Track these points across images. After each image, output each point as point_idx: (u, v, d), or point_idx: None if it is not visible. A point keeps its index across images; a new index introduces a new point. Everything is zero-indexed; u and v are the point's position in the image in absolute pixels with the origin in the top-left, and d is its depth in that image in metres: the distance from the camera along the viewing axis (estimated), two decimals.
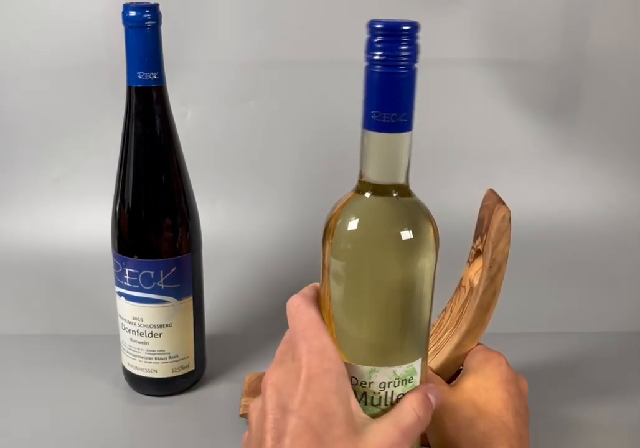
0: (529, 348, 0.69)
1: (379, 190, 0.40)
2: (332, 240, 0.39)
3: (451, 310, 0.57)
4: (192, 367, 0.62)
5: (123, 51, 0.54)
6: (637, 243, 0.93)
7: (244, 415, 0.59)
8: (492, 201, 0.53)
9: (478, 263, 0.54)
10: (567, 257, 0.88)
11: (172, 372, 0.61)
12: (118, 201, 0.59)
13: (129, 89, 0.55)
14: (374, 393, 0.40)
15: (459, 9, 0.90)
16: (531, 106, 0.95)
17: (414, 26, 0.41)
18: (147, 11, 0.52)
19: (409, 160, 0.41)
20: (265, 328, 0.74)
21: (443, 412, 0.47)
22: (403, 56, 0.40)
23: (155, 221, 0.58)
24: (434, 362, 0.54)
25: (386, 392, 0.40)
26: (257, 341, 0.72)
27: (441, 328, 0.58)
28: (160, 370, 0.61)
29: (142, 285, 0.58)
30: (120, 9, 0.53)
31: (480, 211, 0.55)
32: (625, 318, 0.77)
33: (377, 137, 0.39)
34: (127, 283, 0.58)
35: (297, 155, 0.96)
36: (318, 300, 0.41)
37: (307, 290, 0.42)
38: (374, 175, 0.40)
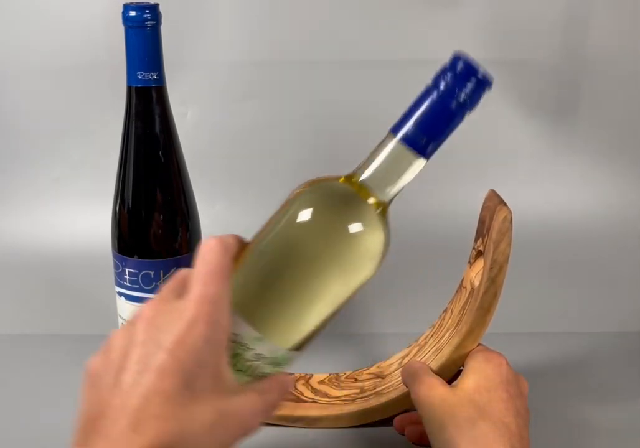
0: (529, 348, 0.69)
1: (363, 193, 0.41)
2: (296, 203, 0.41)
3: (452, 311, 0.57)
4: None
5: (123, 51, 0.54)
6: (637, 243, 0.93)
7: None
8: (494, 202, 0.53)
9: (479, 264, 0.54)
10: (567, 257, 0.88)
11: None
12: (118, 201, 0.59)
13: (129, 89, 0.55)
14: (246, 359, 0.39)
15: (459, 9, 0.90)
16: (531, 106, 0.95)
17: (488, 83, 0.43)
18: (147, 11, 0.52)
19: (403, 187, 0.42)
20: None
21: (444, 412, 0.47)
22: (463, 97, 0.44)
23: (155, 221, 0.58)
24: (435, 362, 0.54)
25: (257, 364, 0.39)
26: None
27: (442, 328, 0.58)
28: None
29: (142, 285, 0.58)
30: (120, 9, 0.53)
31: (481, 212, 0.55)
32: (625, 318, 0.77)
33: (403, 152, 0.42)
34: (127, 283, 0.58)
35: (297, 155, 0.96)
36: (233, 251, 0.39)
37: (228, 237, 0.40)
38: (370, 181, 0.42)
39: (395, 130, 0.42)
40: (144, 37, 0.53)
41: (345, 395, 0.59)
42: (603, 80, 0.95)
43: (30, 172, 0.94)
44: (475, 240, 0.56)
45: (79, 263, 0.86)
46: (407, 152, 0.42)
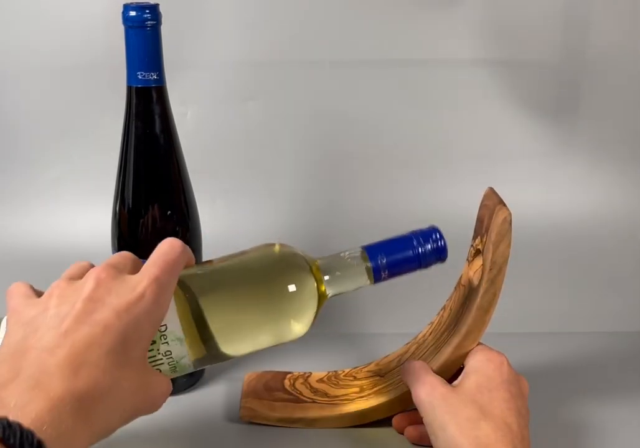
0: (529, 348, 0.69)
1: (318, 277, 0.48)
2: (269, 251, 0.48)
3: (450, 309, 0.57)
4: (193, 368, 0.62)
5: (123, 51, 0.54)
6: (637, 243, 0.93)
7: (245, 417, 0.58)
8: (492, 201, 0.53)
9: (477, 262, 0.54)
10: (566, 257, 0.88)
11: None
12: (118, 201, 0.59)
13: (129, 89, 0.55)
14: (157, 350, 0.43)
15: (459, 9, 0.90)
16: (531, 106, 0.95)
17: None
18: (147, 11, 0.52)
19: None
20: None
21: (445, 412, 0.47)
22: (427, 263, 0.49)
23: (154, 221, 0.58)
24: (434, 362, 0.54)
25: (160, 359, 0.43)
26: None
27: (440, 326, 0.58)
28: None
29: None
30: (120, 9, 0.53)
31: (479, 210, 0.55)
32: (625, 318, 0.77)
33: (363, 274, 0.48)
34: None
35: (297, 155, 0.96)
36: (187, 261, 0.44)
37: (189, 250, 0.44)
38: (327, 279, 0.48)
39: (370, 255, 0.48)
40: (144, 37, 0.53)
41: (344, 394, 0.59)
42: (603, 80, 0.95)
43: (30, 172, 0.94)
44: (474, 239, 0.56)
45: None
46: (365, 276, 0.49)
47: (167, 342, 0.43)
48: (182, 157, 0.59)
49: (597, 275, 0.87)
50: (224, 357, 0.46)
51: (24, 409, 0.32)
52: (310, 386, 0.61)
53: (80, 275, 0.41)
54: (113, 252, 0.60)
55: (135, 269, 0.41)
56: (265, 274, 0.47)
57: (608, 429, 0.59)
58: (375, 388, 0.58)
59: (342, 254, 0.49)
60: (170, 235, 0.58)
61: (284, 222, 0.94)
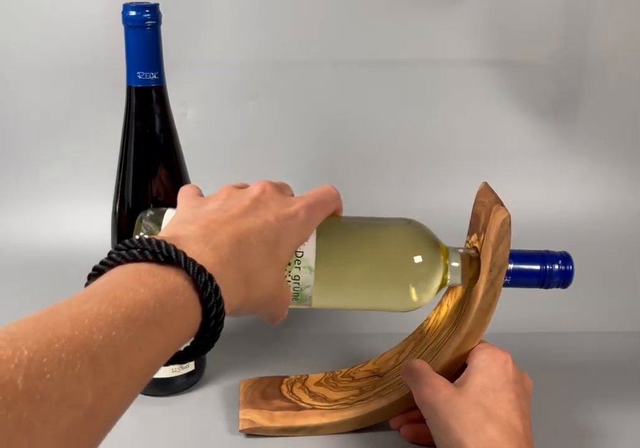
0: (529, 348, 0.69)
1: (445, 258, 0.51)
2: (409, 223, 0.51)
3: (447, 305, 0.57)
4: (192, 367, 0.62)
5: (123, 51, 0.54)
6: (637, 243, 0.93)
7: (245, 430, 0.57)
8: (489, 199, 0.52)
9: None
10: None
11: (172, 372, 0.61)
12: (118, 201, 0.59)
13: (129, 88, 0.55)
14: (288, 272, 0.46)
15: (459, 9, 0.90)
16: (531, 106, 0.95)
17: None
18: (147, 11, 0.52)
19: None
20: (266, 328, 0.74)
21: (449, 415, 0.46)
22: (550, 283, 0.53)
23: None
24: (434, 362, 0.53)
25: (296, 260, 0.46)
26: (258, 341, 0.72)
27: (437, 323, 0.57)
28: (160, 370, 0.61)
29: None
30: (120, 9, 0.53)
31: (474, 206, 0.55)
32: (625, 318, 0.77)
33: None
34: None
35: (297, 155, 0.96)
36: (338, 207, 0.48)
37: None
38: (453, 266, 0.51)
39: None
40: (144, 37, 0.53)
41: (344, 398, 0.58)
42: (603, 80, 0.95)
43: (30, 172, 0.94)
44: (469, 235, 0.55)
45: (79, 264, 0.86)
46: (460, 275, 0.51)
47: (299, 267, 0.46)
48: (182, 157, 0.59)
49: (597, 275, 0.87)
50: (343, 299, 0.50)
51: (199, 257, 0.35)
52: (309, 390, 0.60)
53: (244, 188, 0.45)
54: None
55: (292, 195, 0.46)
56: (395, 239, 0.50)
57: (607, 429, 0.59)
58: (375, 390, 0.58)
59: (461, 249, 0.52)
60: None
61: None
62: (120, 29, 0.53)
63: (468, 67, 0.93)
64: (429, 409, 0.48)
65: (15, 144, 0.93)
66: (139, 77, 0.54)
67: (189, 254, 0.34)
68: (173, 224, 0.40)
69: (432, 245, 0.50)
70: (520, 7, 0.92)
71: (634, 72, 0.95)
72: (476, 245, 0.53)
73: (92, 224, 0.83)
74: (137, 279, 0.32)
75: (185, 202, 0.44)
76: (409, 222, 0.51)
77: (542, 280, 0.51)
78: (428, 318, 0.59)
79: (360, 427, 0.57)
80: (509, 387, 0.48)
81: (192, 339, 0.35)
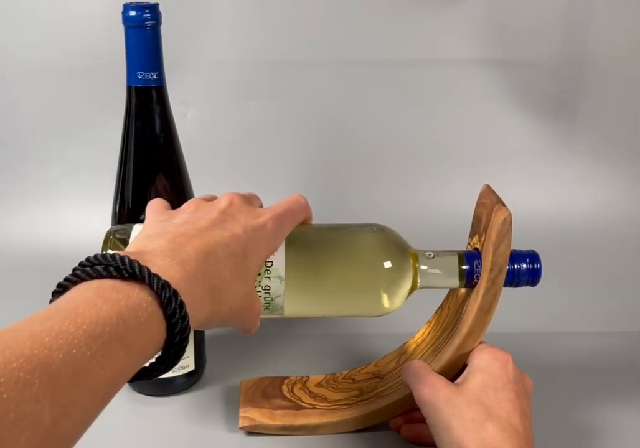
0: (529, 348, 0.69)
1: (414, 261, 0.52)
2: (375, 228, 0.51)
3: (448, 308, 0.57)
4: (192, 367, 0.62)
5: (123, 51, 0.54)
6: (637, 243, 0.93)
7: (245, 428, 0.57)
8: (490, 200, 0.52)
9: None
10: (566, 257, 0.88)
11: (172, 372, 0.61)
12: (118, 201, 0.59)
13: (129, 88, 0.55)
14: (257, 282, 0.47)
15: (459, 9, 0.90)
16: (531, 106, 0.95)
17: None
18: (147, 11, 0.52)
19: None
20: (266, 328, 0.74)
21: (450, 413, 0.46)
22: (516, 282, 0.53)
23: None
24: (435, 363, 0.53)
25: (266, 270, 0.47)
26: (258, 341, 0.71)
27: (439, 326, 0.57)
28: None
29: None
30: (120, 9, 0.53)
31: (476, 208, 0.55)
32: (625, 318, 0.77)
33: (456, 274, 0.52)
34: None
35: (297, 155, 0.96)
36: (307, 216, 0.49)
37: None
38: (424, 270, 0.51)
39: (468, 259, 0.51)
40: (144, 37, 0.53)
41: (344, 398, 0.58)
42: (603, 80, 0.95)
43: (30, 172, 0.94)
44: (471, 236, 0.55)
45: None
46: (457, 278, 0.51)
47: (269, 277, 0.47)
48: (182, 157, 0.59)
49: (597, 275, 0.87)
50: (312, 307, 0.50)
51: (165, 273, 0.35)
52: (309, 391, 0.60)
53: (212, 200, 0.46)
54: None
55: (261, 207, 0.47)
56: (365, 246, 0.50)
57: (607, 429, 0.59)
58: (375, 391, 0.58)
59: (440, 251, 0.52)
60: None
61: None
62: (121, 29, 0.53)
63: (468, 67, 0.93)
64: (429, 408, 0.48)
65: (15, 144, 0.93)
66: (139, 77, 0.54)
67: (154, 269, 0.34)
68: (140, 238, 0.40)
69: (401, 249, 0.50)
70: (520, 7, 0.92)
71: (634, 72, 0.95)
72: (477, 246, 0.53)
73: (92, 224, 0.82)
74: (100, 296, 0.31)
75: (153, 216, 0.44)
76: (379, 228, 0.51)
77: (511, 280, 0.51)
78: (429, 322, 0.59)
79: (360, 427, 0.57)
80: (509, 386, 0.48)
81: (157, 355, 0.35)
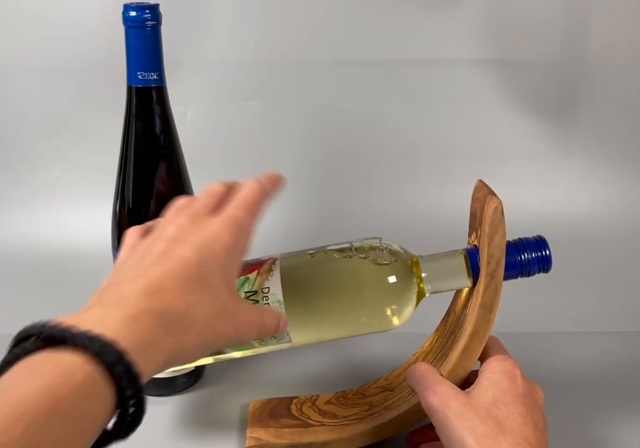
0: (529, 348, 0.69)
1: (417, 272, 0.52)
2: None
3: (454, 312, 0.56)
4: (192, 367, 0.62)
5: (123, 51, 0.54)
6: (637, 243, 0.93)
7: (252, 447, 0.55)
8: (483, 193, 0.51)
9: None
10: (566, 257, 0.88)
11: (172, 372, 0.61)
12: (118, 201, 0.59)
13: (129, 89, 0.55)
14: (260, 287, 0.48)
15: (459, 9, 0.90)
16: (530, 106, 0.95)
17: None
18: (147, 11, 0.52)
19: None
20: None
21: (463, 426, 0.46)
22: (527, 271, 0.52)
23: None
24: (443, 368, 0.52)
25: (264, 296, 0.48)
26: None
27: (446, 331, 0.56)
28: None
29: None
30: (121, 9, 0.53)
31: (472, 205, 0.54)
32: (625, 318, 0.77)
33: (463, 272, 0.51)
34: None
35: (296, 155, 0.96)
36: (270, 196, 0.46)
37: (268, 183, 0.46)
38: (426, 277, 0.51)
39: (472, 257, 0.50)
40: (144, 37, 0.53)
41: (354, 414, 0.56)
42: (603, 80, 0.95)
43: (29, 172, 0.94)
44: (470, 235, 0.54)
45: (79, 263, 0.86)
46: (465, 278, 0.51)
47: (268, 303, 0.47)
48: (182, 157, 0.59)
49: (597, 275, 0.87)
50: (314, 333, 0.51)
51: (104, 324, 0.33)
52: (319, 409, 0.58)
53: (170, 220, 0.44)
54: (113, 252, 0.60)
55: (218, 207, 0.43)
56: (365, 265, 0.49)
57: (607, 429, 0.59)
58: (385, 404, 0.55)
59: (443, 253, 0.51)
60: None
61: (284, 221, 0.94)
62: (121, 29, 0.53)
63: (468, 67, 0.93)
64: (440, 418, 0.47)
65: (15, 144, 0.93)
66: (139, 77, 0.54)
67: (89, 325, 0.32)
68: (100, 290, 0.38)
69: (404, 262, 0.50)
70: (520, 7, 0.92)
71: (634, 72, 0.95)
72: (476, 243, 0.52)
73: (92, 224, 0.83)
74: (30, 371, 0.30)
75: (123, 254, 0.43)
76: (376, 243, 0.51)
77: (520, 271, 0.50)
78: (437, 329, 0.58)
79: (371, 442, 0.54)
80: (519, 401, 0.47)
81: (113, 420, 0.32)
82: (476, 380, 0.50)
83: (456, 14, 0.91)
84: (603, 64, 0.94)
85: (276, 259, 0.51)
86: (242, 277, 0.50)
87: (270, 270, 0.50)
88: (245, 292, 0.49)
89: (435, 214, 0.94)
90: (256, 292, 0.49)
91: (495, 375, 0.49)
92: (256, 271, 0.50)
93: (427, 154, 0.97)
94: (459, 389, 0.48)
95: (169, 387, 0.62)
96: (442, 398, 0.47)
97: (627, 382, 0.66)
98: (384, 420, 0.53)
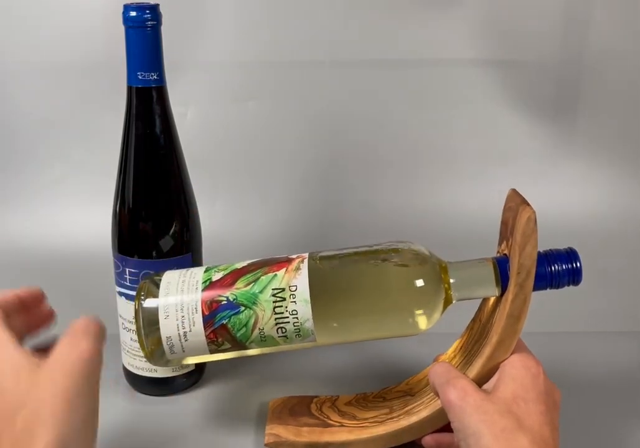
0: (532, 348, 0.69)
1: (445, 277, 0.52)
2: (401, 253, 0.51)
3: (480, 320, 0.55)
4: (192, 367, 0.62)
5: (123, 51, 0.54)
6: (637, 243, 0.93)
7: (270, 445, 0.55)
8: (515, 202, 0.51)
9: None
10: None
11: (173, 371, 0.61)
12: (118, 201, 0.59)
13: (129, 89, 0.55)
14: (287, 284, 0.49)
15: (459, 9, 0.90)
16: (531, 106, 0.95)
17: None
18: (148, 11, 0.52)
19: None
20: None
21: (480, 420, 0.45)
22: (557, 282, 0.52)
23: (155, 221, 0.58)
24: (468, 374, 0.51)
25: (290, 294, 0.49)
26: None
27: (471, 338, 0.55)
28: (160, 370, 0.61)
29: None
30: (121, 9, 0.53)
31: (503, 214, 0.53)
32: (625, 318, 0.77)
33: (492, 280, 0.51)
34: (128, 283, 0.58)
35: (297, 155, 0.96)
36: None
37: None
38: (455, 281, 0.50)
39: (501, 266, 0.50)
40: (144, 37, 0.53)
41: (374, 417, 0.55)
42: (602, 80, 0.95)
43: (30, 172, 0.94)
44: (500, 244, 0.53)
45: (79, 263, 0.86)
46: (494, 286, 0.50)
47: (294, 301, 0.47)
48: (182, 157, 0.59)
49: (597, 275, 0.87)
50: (344, 333, 0.50)
51: None
52: (338, 410, 0.58)
53: None
54: (113, 252, 0.60)
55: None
56: (394, 268, 0.50)
57: (607, 429, 0.59)
58: (405, 408, 0.55)
59: (472, 261, 0.51)
60: (170, 235, 0.58)
61: (284, 221, 0.94)
62: (121, 29, 0.53)
63: (468, 67, 0.93)
64: (457, 411, 0.46)
65: (15, 144, 0.93)
66: (140, 77, 0.54)
67: None
68: None
69: (433, 267, 0.50)
70: (520, 7, 0.92)
71: (634, 73, 0.95)
72: (506, 252, 0.51)
73: (92, 224, 0.83)
74: None
75: None
76: (406, 246, 0.51)
77: (550, 282, 0.50)
78: (462, 335, 0.57)
79: (390, 446, 0.54)
80: (541, 398, 0.47)
81: None
82: (496, 375, 0.49)
83: (456, 14, 0.91)
84: (603, 64, 0.94)
85: (305, 258, 0.51)
86: (271, 274, 0.50)
87: (298, 268, 0.50)
88: (273, 289, 0.49)
89: (436, 213, 0.94)
90: (283, 289, 0.49)
91: (516, 371, 0.48)
92: (284, 268, 0.50)
93: (427, 153, 0.97)
94: (477, 386, 0.48)
95: (169, 387, 0.62)
96: (460, 393, 0.47)
97: (630, 382, 0.66)
98: (403, 425, 0.53)
